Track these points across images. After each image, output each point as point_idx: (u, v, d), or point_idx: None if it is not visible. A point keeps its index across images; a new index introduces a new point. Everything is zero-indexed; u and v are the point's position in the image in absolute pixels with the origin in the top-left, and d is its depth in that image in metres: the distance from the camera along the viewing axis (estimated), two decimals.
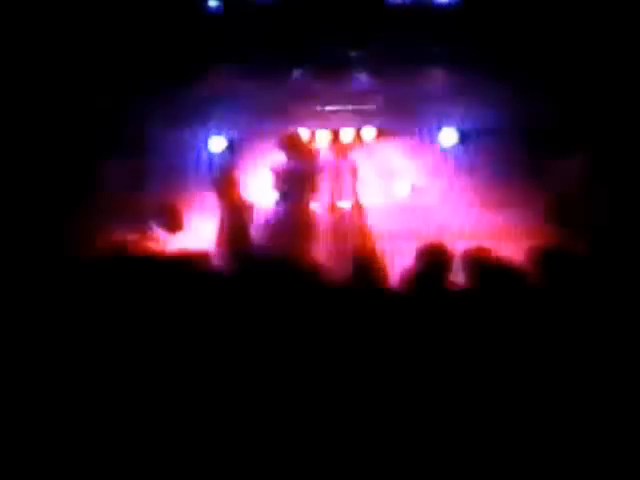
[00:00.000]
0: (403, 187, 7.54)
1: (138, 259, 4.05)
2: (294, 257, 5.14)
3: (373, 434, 3.20)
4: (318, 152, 7.44)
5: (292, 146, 7.11)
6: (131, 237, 6.80)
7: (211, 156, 7.70)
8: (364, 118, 7.61)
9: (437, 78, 7.49)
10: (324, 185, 7.23)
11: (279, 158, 7.10)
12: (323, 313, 3.58)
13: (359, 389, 3.30)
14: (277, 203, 7.08)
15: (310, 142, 7.52)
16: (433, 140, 7.56)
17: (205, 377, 3.32)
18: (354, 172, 7.38)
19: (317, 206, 7.18)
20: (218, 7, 7.60)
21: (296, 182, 7.00)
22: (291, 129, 7.32)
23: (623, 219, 6.31)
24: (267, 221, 7.06)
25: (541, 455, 3.12)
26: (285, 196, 7.04)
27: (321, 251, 6.91)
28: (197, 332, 3.44)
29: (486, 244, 4.47)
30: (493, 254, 4.18)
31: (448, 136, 7.50)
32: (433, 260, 4.18)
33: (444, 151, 7.54)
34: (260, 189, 7.31)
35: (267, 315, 3.51)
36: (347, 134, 7.58)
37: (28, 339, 3.45)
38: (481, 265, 3.97)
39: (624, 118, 6.79)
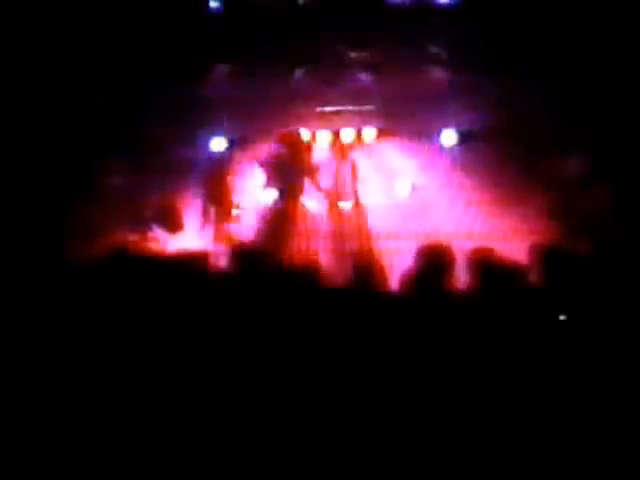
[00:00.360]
0: (403, 187, 7.54)
1: (138, 259, 4.04)
2: (290, 256, 5.15)
3: (373, 435, 3.20)
4: (314, 150, 7.45)
5: (290, 144, 7.14)
6: (131, 237, 6.82)
7: (211, 156, 7.70)
8: (364, 118, 7.60)
9: (437, 78, 7.48)
10: (322, 184, 7.25)
11: (271, 155, 7.13)
12: (323, 313, 3.58)
13: (359, 389, 3.30)
14: (274, 201, 7.11)
15: (310, 142, 7.53)
16: (433, 140, 7.56)
17: (205, 376, 3.32)
18: (354, 172, 7.39)
19: (315, 204, 7.20)
20: (219, 7, 7.60)
21: (290, 179, 7.04)
22: (291, 128, 7.34)
23: (623, 218, 6.32)
24: (262, 218, 7.09)
25: (542, 454, 3.12)
26: (279, 193, 7.07)
27: (321, 251, 6.92)
28: (197, 332, 3.45)
29: (486, 243, 4.47)
30: (495, 254, 4.18)
31: (448, 136, 7.50)
32: (433, 260, 4.17)
33: (444, 151, 7.54)
34: (258, 188, 7.32)
35: (267, 315, 3.52)
36: (347, 134, 7.58)
37: (27, 338, 3.45)
38: (483, 265, 3.96)
39: (624, 117, 6.80)
